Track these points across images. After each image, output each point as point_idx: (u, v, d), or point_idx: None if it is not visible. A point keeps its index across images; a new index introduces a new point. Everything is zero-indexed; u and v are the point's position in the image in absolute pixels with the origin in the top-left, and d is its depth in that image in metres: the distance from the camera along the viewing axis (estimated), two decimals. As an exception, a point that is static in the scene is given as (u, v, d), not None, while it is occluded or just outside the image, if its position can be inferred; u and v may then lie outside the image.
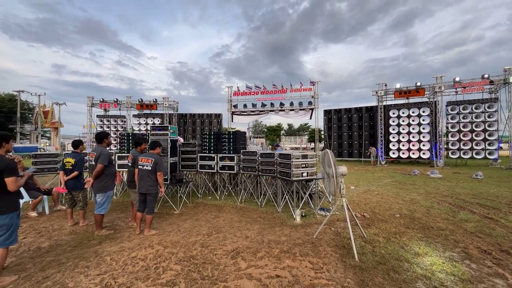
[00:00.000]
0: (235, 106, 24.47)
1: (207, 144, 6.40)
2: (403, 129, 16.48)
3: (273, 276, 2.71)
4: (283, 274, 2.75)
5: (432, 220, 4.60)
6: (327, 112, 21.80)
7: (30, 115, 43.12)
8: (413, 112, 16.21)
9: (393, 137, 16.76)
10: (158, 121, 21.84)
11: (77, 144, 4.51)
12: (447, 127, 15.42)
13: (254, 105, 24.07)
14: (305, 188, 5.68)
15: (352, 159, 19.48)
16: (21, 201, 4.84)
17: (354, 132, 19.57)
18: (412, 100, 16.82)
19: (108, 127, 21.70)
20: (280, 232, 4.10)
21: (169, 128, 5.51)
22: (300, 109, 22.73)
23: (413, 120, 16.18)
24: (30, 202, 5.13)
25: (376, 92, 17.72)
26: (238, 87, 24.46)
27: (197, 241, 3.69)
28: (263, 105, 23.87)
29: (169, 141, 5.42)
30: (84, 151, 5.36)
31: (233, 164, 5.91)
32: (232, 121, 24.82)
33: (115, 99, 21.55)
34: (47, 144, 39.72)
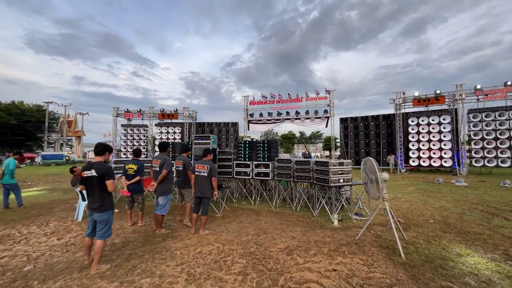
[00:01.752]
0: (251, 115, 25.06)
1: (242, 152, 6.86)
2: (423, 137, 16.41)
3: (331, 270, 3.04)
4: (339, 268, 3.09)
5: (467, 226, 4.78)
6: (343, 120, 21.98)
7: (55, 125, 45.46)
8: (433, 120, 16.15)
9: (413, 145, 16.69)
10: (179, 129, 22.73)
11: (137, 152, 5.08)
12: (469, 135, 15.24)
13: (270, 114, 24.56)
14: (337, 194, 5.98)
15: (370, 167, 19.39)
16: (83, 204, 5.46)
17: (372, 140, 19.59)
18: (431, 107, 16.78)
19: (131, 135, 22.79)
20: (322, 234, 4.43)
21: (210, 138, 6.03)
22: (316, 117, 23.02)
23: (433, 128, 16.10)
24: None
25: (394, 100, 17.82)
26: (254, 97, 25.13)
27: (250, 240, 4.09)
28: (279, 113, 24.33)
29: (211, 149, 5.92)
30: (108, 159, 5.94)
31: (268, 171, 6.31)
32: (248, 129, 25.42)
33: (138, 109, 22.68)
34: (70, 152, 41.66)
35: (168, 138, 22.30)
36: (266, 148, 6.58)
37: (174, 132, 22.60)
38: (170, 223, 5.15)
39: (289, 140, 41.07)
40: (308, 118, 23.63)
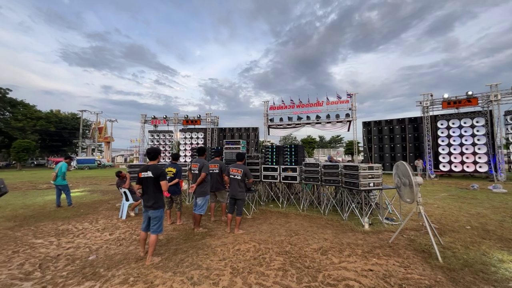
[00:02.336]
0: (271, 120, 25.31)
1: (270, 157, 7.10)
2: (454, 140, 15.61)
3: (367, 270, 3.15)
4: (376, 268, 3.19)
5: (508, 233, 4.60)
6: (366, 124, 21.52)
7: (87, 131, 48.84)
8: (465, 123, 15.34)
9: (443, 149, 15.92)
10: (201, 135, 23.55)
11: (176, 157, 5.52)
12: (507, 138, 14.27)
13: (290, 119, 24.67)
14: (367, 198, 5.99)
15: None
16: (127, 203, 5.98)
17: (397, 144, 18.95)
18: (463, 110, 15.94)
19: (157, 141, 23.99)
20: (354, 236, 4.51)
21: (240, 143, 6.34)
22: (338, 122, 22.74)
23: (465, 131, 15.27)
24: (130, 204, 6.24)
25: (420, 103, 17.19)
26: (274, 102, 25.40)
27: (283, 240, 4.28)
28: (299, 118, 24.35)
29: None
30: (135, 163, 6.42)
31: (295, 175, 6.48)
32: (268, 134, 25.67)
33: (164, 116, 23.89)
34: (101, 157, 44.51)
35: (192, 143, 23.19)
36: (293, 153, 6.77)
37: (198, 138, 23.46)
38: (205, 222, 5.49)
39: (309, 144, 40.75)
40: (329, 122, 23.41)
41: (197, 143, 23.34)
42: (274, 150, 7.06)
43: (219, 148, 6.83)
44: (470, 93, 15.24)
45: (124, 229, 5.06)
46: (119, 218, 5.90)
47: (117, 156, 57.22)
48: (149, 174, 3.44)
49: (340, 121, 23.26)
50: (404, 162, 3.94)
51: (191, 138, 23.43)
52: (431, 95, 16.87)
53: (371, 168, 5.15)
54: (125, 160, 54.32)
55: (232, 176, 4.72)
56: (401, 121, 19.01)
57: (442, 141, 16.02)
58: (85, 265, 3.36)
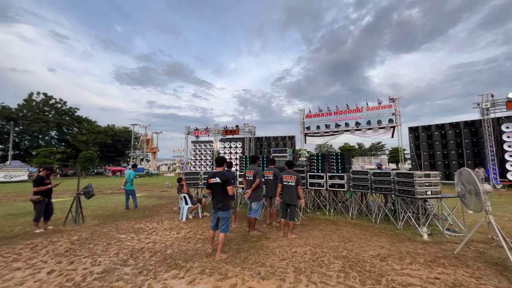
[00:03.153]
0: (308, 128, 25.14)
1: (315, 164, 7.24)
2: (524, 145, 13.67)
3: (433, 278, 3.11)
4: (443, 277, 3.13)
5: None
6: (412, 130, 20.08)
7: (136, 143, 54.10)
8: (537, 125, 13.37)
9: (511, 156, 14.02)
10: (240, 144, 24.46)
11: (230, 164, 6.05)
12: None
13: (327, 126, 24.18)
14: (424, 207, 5.72)
15: (450, 182, 16.94)
16: (186, 207, 6.64)
17: (451, 151, 17.24)
18: (534, 110, 13.94)
19: (199, 150, 25.60)
20: (412, 246, 4.39)
21: (287, 151, 6.64)
22: (380, 128, 21.56)
23: (538, 135, 13.29)
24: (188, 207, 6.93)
25: (478, 104, 15.53)
26: (310, 110, 25.27)
27: (338, 246, 4.39)
28: (337, 125, 23.72)
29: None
30: (191, 171, 7.03)
31: (343, 182, 6.50)
32: (305, 142, 25.50)
33: (205, 127, 25.51)
34: (148, 166, 48.75)
35: (230, 153, 24.22)
36: (339, 160, 6.82)
37: (236, 147, 24.42)
38: (257, 226, 5.83)
39: (347, 152, 39.07)
40: (371, 129, 22.31)
41: (236, 152, 24.29)
42: (320, 158, 7.19)
43: (272, 157, 7.22)
44: (542, 91, 13.31)
45: (187, 229, 5.67)
46: (180, 220, 6.60)
47: (161, 165, 62.04)
48: (217, 180, 3.93)
49: (383, 127, 22.04)
50: (467, 169, 3.79)
51: (230, 147, 24.50)
52: (492, 95, 15.15)
53: (427, 175, 4.98)
54: (168, 168, 58.58)
55: (286, 183, 5.02)
56: (455, 125, 17.33)
57: (509, 146, 14.14)
58: (166, 257, 3.93)
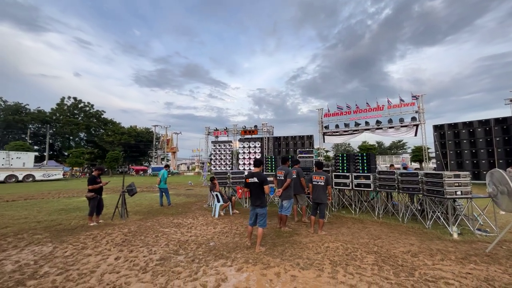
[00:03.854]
0: (326, 127, 25.05)
1: (340, 164, 7.45)
2: (563, 143, 12.87)
3: (465, 273, 3.30)
4: (475, 273, 3.31)
5: None
6: (438, 128, 19.42)
7: (157, 143, 56.26)
8: None
9: (547, 155, 13.26)
10: (258, 144, 24.81)
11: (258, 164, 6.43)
12: None
13: (346, 125, 24.01)
14: (453, 207, 5.79)
15: (479, 182, 16.27)
16: (218, 204, 7.12)
17: (481, 149, 16.53)
18: None
19: (219, 150, 26.32)
20: (442, 244, 4.53)
21: (313, 152, 6.91)
22: (402, 126, 21.09)
23: None
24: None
25: (511, 100, 14.79)
26: (328, 109, 25.16)
27: (368, 242, 4.63)
28: (357, 124, 23.48)
29: (314, 161, 6.80)
30: (221, 170, 7.41)
31: (369, 182, 6.68)
32: (324, 142, 25.43)
33: (224, 127, 26.21)
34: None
35: (249, 152, 24.70)
36: (365, 161, 6.99)
37: (255, 147, 24.79)
38: (286, 223, 6.18)
39: (367, 151, 38.25)
40: (392, 127, 21.85)
41: (255, 152, 24.77)
42: (345, 158, 7.39)
43: (298, 157, 7.53)
44: None
45: (222, 225, 6.14)
46: (213, 217, 7.10)
47: (180, 164, 64.09)
48: (255, 179, 4.33)
49: (405, 126, 21.49)
50: (500, 170, 3.90)
51: (249, 147, 24.98)
52: (526, 91, 14.37)
53: (457, 176, 5.06)
54: (188, 168, 60.42)
55: (316, 183, 5.32)
56: (484, 122, 16.60)
57: (545, 144, 13.37)
58: (210, 249, 4.40)
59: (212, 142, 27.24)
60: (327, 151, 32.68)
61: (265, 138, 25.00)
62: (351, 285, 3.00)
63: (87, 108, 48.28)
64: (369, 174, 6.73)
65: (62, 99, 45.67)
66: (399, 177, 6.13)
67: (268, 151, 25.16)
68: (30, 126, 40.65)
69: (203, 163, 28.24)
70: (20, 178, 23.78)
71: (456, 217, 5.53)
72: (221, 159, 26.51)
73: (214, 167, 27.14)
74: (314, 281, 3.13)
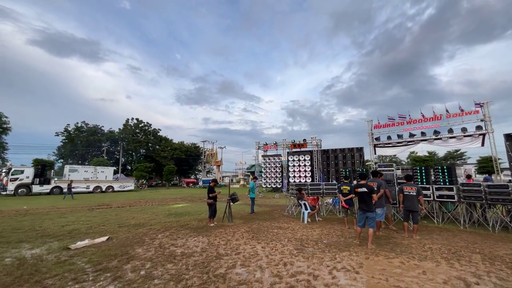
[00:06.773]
0: (377, 139, 24.79)
1: (419, 176, 8.08)
2: None
3: None
4: None
5: None
6: (510, 137, 17.98)
7: (203, 157, 60.31)
8: None
9: None
10: (308, 157, 25.69)
11: (348, 177, 7.50)
12: None
13: (399, 136, 23.47)
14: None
15: None
16: (306, 212, 8.27)
17: None
18: None
19: (268, 163, 27.79)
20: (545, 250, 4.96)
21: (393, 166, 7.72)
22: (465, 136, 19.98)
23: None
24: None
25: None
26: (378, 120, 24.97)
27: (467, 246, 5.30)
28: (411, 135, 22.83)
29: (394, 175, 7.60)
30: (313, 182, 8.53)
31: (452, 193, 7.19)
32: (375, 154, 25.10)
33: (274, 142, 27.74)
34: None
35: (299, 165, 25.64)
36: (446, 173, 7.53)
37: (305, 160, 25.72)
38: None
39: (423, 162, 35.90)
40: (454, 137, 20.77)
41: (305, 165, 25.61)
42: (423, 170, 8.00)
43: (378, 170, 8.42)
44: None
45: (319, 229, 7.23)
46: (301, 223, 8.26)
47: (224, 177, 67.40)
48: (364, 189, 5.43)
49: (469, 135, 20.28)
50: None
51: (299, 160, 25.98)
52: None
53: (553, 187, 5.44)
54: (232, 180, 63.25)
55: (407, 193, 6.17)
56: None
57: None
58: (327, 245, 5.53)
59: (263, 156, 29.08)
60: (376, 163, 31.72)
61: (315, 151, 25.76)
62: (472, 272, 3.84)
63: (146, 127, 54.83)
64: (452, 186, 7.25)
65: (127, 120, 52.86)
66: (486, 188, 6.58)
67: (318, 164, 25.77)
68: (104, 144, 47.77)
69: (252, 176, 29.98)
70: (104, 189, 28.29)
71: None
72: (271, 171, 27.98)
73: (265, 179, 28.64)
74: (436, 268, 4.04)
